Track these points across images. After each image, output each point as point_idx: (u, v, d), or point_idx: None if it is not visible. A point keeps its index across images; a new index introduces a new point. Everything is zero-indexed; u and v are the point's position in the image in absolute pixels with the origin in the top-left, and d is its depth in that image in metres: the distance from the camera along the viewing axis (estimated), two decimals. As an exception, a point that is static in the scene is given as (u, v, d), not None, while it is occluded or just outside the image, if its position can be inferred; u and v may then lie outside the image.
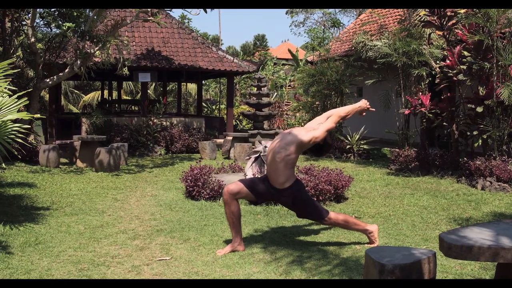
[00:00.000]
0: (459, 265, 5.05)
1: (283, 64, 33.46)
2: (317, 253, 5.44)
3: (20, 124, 6.62)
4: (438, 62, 11.41)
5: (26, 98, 6.80)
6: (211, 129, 18.88)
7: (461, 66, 10.23)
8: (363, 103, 6.00)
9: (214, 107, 27.49)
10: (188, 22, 34.04)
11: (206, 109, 27.15)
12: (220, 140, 16.21)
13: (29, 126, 7.75)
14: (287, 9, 38.33)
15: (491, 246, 3.16)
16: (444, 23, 10.75)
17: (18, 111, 6.70)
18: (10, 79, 6.85)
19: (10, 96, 6.65)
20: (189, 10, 15.19)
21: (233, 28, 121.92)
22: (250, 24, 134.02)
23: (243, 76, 28.54)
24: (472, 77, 10.25)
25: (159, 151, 15.04)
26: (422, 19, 11.59)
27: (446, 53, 10.91)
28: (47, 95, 20.06)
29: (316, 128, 5.54)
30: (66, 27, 11.48)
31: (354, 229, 5.77)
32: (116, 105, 26.39)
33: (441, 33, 10.99)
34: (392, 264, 3.39)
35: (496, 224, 3.68)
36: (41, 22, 13.14)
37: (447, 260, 5.15)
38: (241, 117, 23.07)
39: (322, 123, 5.65)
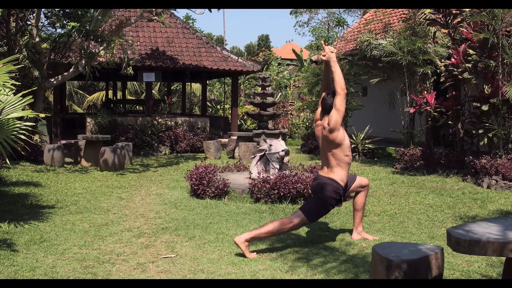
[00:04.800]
0: (466, 262, 5.02)
1: (287, 64, 33.44)
2: (323, 250, 5.42)
3: (21, 122, 6.62)
4: (443, 60, 11.37)
5: (31, 96, 6.81)
6: (216, 128, 18.86)
7: (466, 65, 10.19)
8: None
9: (218, 107, 27.48)
10: (193, 22, 34.08)
11: (210, 109, 27.15)
12: (225, 140, 16.20)
13: (34, 124, 7.76)
14: (291, 9, 38.28)
15: (499, 240, 3.13)
16: (449, 21, 10.72)
17: (23, 110, 6.70)
18: (14, 75, 6.84)
19: (15, 94, 6.66)
20: (193, 9, 15.16)
21: (237, 29, 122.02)
22: (254, 25, 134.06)
23: (247, 77, 28.52)
24: (478, 75, 10.22)
25: (163, 151, 15.04)
26: (427, 17, 11.55)
27: (451, 52, 10.87)
28: (51, 96, 20.09)
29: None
30: (71, 26, 11.49)
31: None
32: (121, 105, 26.41)
33: (446, 31, 10.96)
34: (400, 260, 3.37)
35: (504, 220, 3.65)
36: (46, 22, 13.15)
37: (454, 258, 5.12)
38: (245, 117, 23.07)
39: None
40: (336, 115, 5.33)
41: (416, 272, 3.36)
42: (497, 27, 9.64)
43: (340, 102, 5.31)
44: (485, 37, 9.67)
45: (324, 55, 5.52)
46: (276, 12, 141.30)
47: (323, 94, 5.62)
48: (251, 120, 22.61)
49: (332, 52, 5.48)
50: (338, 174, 5.45)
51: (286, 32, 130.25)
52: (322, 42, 6.11)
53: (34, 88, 11.19)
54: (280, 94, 26.26)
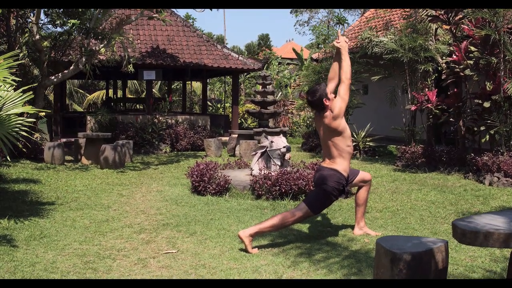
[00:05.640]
0: (470, 257, 4.98)
1: (288, 64, 33.39)
2: (325, 246, 5.39)
3: (23, 118, 6.58)
4: (444, 57, 11.34)
5: (31, 92, 6.77)
6: (217, 127, 18.84)
7: (468, 61, 10.15)
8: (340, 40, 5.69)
9: (219, 105, 27.48)
10: (193, 22, 34.00)
11: (211, 108, 27.13)
12: (226, 138, 16.17)
13: (34, 120, 7.74)
14: (292, 9, 38.26)
15: (505, 231, 3.09)
16: (451, 18, 10.67)
17: (23, 106, 6.66)
18: (14, 70, 6.81)
19: (15, 90, 6.62)
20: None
21: (237, 28, 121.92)
22: (254, 24, 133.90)
23: (247, 76, 28.50)
24: (479, 72, 10.18)
25: (164, 149, 15.00)
26: (428, 14, 11.51)
27: (452, 49, 10.83)
28: (52, 95, 20.03)
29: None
30: (71, 24, 11.46)
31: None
32: (121, 103, 26.40)
33: (447, 27, 10.91)
34: (404, 252, 3.33)
35: (509, 212, 3.62)
36: (46, 20, 13.12)
37: (457, 253, 5.09)
38: (246, 115, 23.04)
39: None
40: (340, 102, 5.36)
41: (420, 265, 3.33)
42: (499, 24, 9.60)
43: (344, 90, 5.40)
44: (487, 34, 9.63)
45: (338, 42, 5.67)
46: (276, 11, 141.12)
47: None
48: (252, 118, 22.57)
49: (346, 42, 5.68)
50: (340, 165, 5.43)
51: (287, 31, 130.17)
52: (338, 31, 6.24)
53: (35, 85, 11.16)
54: (280, 93, 26.23)
